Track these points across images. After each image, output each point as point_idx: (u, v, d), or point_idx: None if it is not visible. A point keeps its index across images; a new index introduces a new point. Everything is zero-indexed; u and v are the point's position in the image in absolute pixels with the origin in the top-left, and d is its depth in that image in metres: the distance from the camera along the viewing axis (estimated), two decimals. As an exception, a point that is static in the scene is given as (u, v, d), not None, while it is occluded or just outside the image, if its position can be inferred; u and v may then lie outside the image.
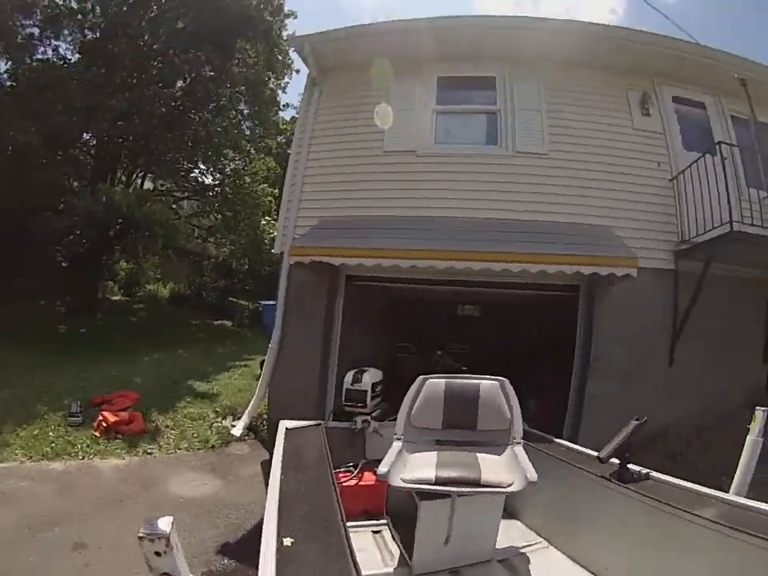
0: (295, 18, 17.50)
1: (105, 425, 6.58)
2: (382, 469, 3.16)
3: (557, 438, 4.49)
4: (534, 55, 7.48)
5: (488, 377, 3.91)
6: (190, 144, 16.94)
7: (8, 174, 12.91)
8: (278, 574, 1.95)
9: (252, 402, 7.34)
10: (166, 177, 18.44)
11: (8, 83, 14.34)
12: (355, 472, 4.35)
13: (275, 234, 8.54)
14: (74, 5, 14.48)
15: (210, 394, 8.96)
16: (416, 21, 7.52)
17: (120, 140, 15.46)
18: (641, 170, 7.15)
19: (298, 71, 18.40)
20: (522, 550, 3.60)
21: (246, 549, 4.28)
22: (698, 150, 6.80)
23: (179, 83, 16.09)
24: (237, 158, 18.67)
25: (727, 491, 3.49)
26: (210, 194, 18.43)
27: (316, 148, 7.73)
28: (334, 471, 3.29)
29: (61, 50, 15.16)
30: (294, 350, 7.20)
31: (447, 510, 3.21)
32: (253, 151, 19.07)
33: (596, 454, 3.46)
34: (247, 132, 18.18)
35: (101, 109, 13.24)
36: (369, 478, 4.27)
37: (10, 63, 14.44)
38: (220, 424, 7.57)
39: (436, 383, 3.87)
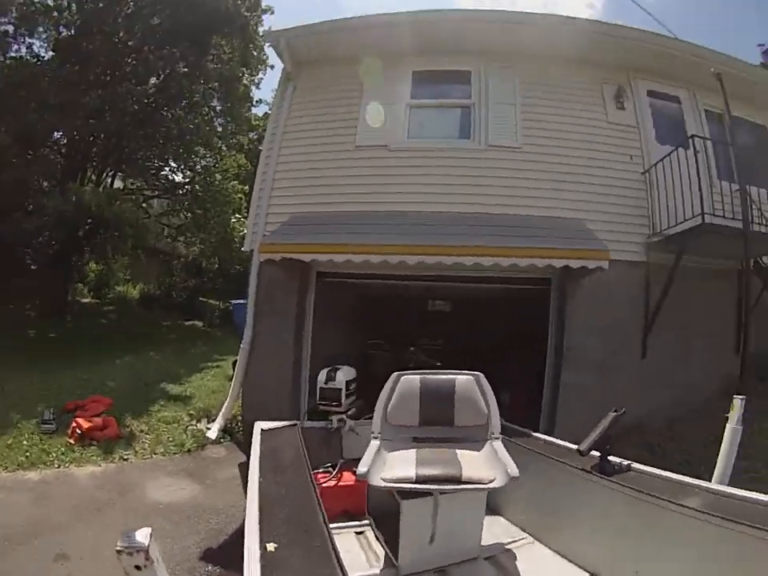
0: (272, 13, 17.40)
1: (79, 431, 6.50)
2: (362, 469, 3.14)
3: (533, 431, 4.51)
4: (511, 49, 7.56)
5: (463, 371, 3.91)
6: (161, 141, 16.74)
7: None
8: None
9: (226, 404, 7.30)
10: (136, 175, 18.23)
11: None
12: (334, 472, 4.36)
13: (245, 231, 8.45)
14: (50, 2, 14.29)
15: (183, 396, 8.91)
16: (392, 15, 7.54)
17: (91, 138, 15.23)
18: (614, 164, 7.23)
19: (272, 67, 18.35)
20: (507, 546, 3.61)
21: (229, 554, 4.27)
22: (671, 144, 6.89)
23: (153, 80, 15.89)
24: (208, 155, 18.54)
25: (708, 480, 3.48)
26: (180, 192, 18.25)
27: (288, 143, 7.69)
28: (312, 472, 3.27)
29: (35, 48, 14.96)
30: (265, 348, 7.15)
31: (430, 508, 3.20)
32: (224, 148, 18.95)
33: (576, 446, 3.48)
34: (219, 129, 18.02)
35: (73, 106, 13.06)
36: (348, 478, 4.27)
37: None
38: (195, 427, 7.52)
39: (411, 379, 3.85)
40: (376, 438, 3.65)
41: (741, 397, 4.15)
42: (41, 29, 14.60)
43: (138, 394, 8.59)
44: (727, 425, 4.15)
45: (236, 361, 7.53)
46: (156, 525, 4.54)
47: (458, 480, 3.07)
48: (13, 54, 14.53)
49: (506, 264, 6.06)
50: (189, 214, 18.04)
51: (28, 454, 5.97)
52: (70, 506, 4.93)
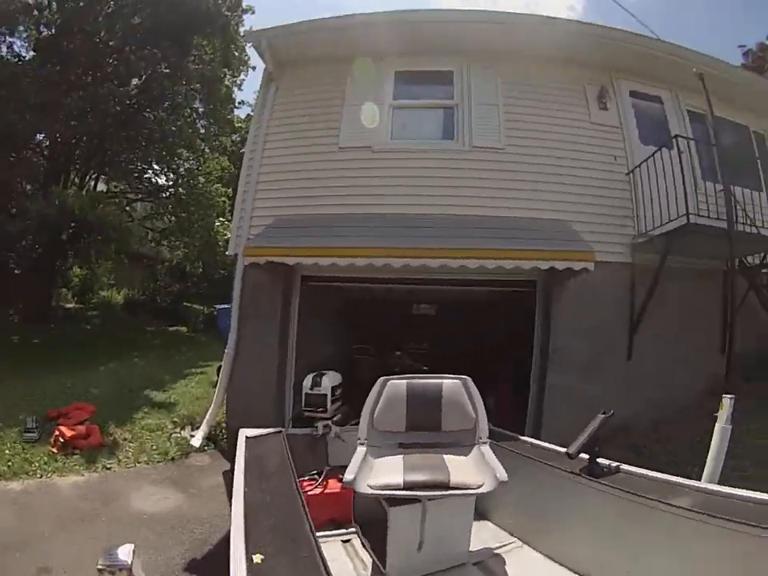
0: (253, 13, 17.39)
1: (62, 440, 6.39)
2: (348, 476, 3.11)
3: (519, 434, 4.50)
4: (493, 50, 7.53)
5: (450, 376, 3.89)
6: (143, 144, 16.62)
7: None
8: None
9: (210, 411, 7.19)
10: (119, 178, 18.09)
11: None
12: (320, 480, 4.34)
13: (229, 235, 8.38)
14: (30, 0, 14.08)
15: (167, 403, 8.78)
16: (374, 15, 7.49)
17: (73, 140, 15.14)
18: (598, 164, 7.23)
19: (254, 68, 18.34)
20: (496, 551, 3.58)
21: (213, 565, 4.13)
22: (654, 144, 6.89)
23: (134, 81, 15.78)
24: (191, 158, 18.44)
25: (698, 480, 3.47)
26: (164, 195, 18.12)
27: (271, 145, 7.60)
28: (298, 480, 3.23)
29: (15, 47, 14.83)
30: (250, 353, 7.05)
31: (418, 514, 3.17)
32: (207, 150, 18.88)
33: (564, 450, 3.47)
34: (202, 131, 17.94)
35: (55, 107, 12.94)
36: (334, 486, 4.27)
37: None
38: (179, 435, 7.40)
39: (397, 384, 3.82)
40: (362, 444, 3.61)
41: (730, 396, 4.13)
42: (21, 28, 14.47)
43: (121, 401, 8.46)
44: (716, 424, 4.12)
45: (220, 367, 7.39)
46: (140, 535, 4.58)
47: (446, 486, 3.04)
48: (-6, 53, 14.40)
49: (492, 266, 6.02)
50: (172, 218, 17.90)
51: (10, 463, 5.85)
52: (53, 517, 4.84)
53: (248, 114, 20.25)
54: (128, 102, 15.40)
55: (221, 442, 7.17)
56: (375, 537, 3.45)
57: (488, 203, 6.90)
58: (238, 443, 3.83)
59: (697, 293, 7.14)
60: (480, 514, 3.80)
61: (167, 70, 15.34)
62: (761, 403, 5.62)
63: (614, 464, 3.29)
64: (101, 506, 5.21)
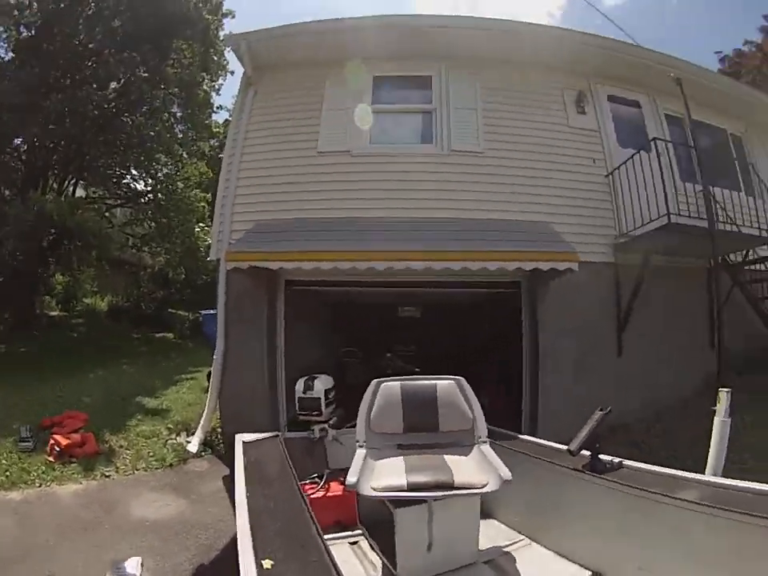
0: (233, 17, 17.36)
1: (57, 449, 6.28)
2: (351, 479, 3.09)
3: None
4: (471, 55, 7.58)
5: (443, 376, 3.91)
6: (122, 148, 16.46)
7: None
8: None
9: (204, 416, 7.11)
10: (98, 184, 17.87)
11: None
12: (321, 483, 4.30)
13: (210, 240, 8.34)
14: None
15: (160, 409, 8.69)
16: (354, 19, 7.50)
17: (51, 144, 14.92)
18: (577, 167, 7.32)
19: (232, 72, 18.25)
20: (505, 549, 3.57)
21: (221, 569, 4.15)
22: (633, 147, 7.01)
23: (113, 84, 15.60)
24: (169, 163, 18.23)
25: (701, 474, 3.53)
26: (143, 200, 17.97)
27: (250, 149, 7.53)
28: (300, 483, 3.20)
29: (-6, 48, 14.53)
30: (239, 358, 7.00)
31: (424, 515, 3.15)
32: (185, 155, 18.69)
33: (564, 447, 3.46)
34: (180, 135, 17.80)
35: (33, 109, 12.76)
36: (336, 488, 4.23)
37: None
38: (174, 441, 7.30)
39: (391, 386, 3.82)
40: (361, 446, 3.59)
41: (726, 389, 4.20)
42: (1, 28, 14.27)
43: (113, 409, 8.36)
44: (715, 418, 4.19)
45: (210, 372, 7.35)
46: (145, 542, 4.55)
47: (450, 486, 3.03)
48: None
49: (476, 268, 6.01)
50: (152, 224, 17.71)
51: (8, 473, 5.77)
52: (55, 526, 4.77)
53: (226, 119, 20.07)
54: (106, 106, 15.20)
55: (218, 448, 7.10)
56: (383, 538, 3.42)
57: (469, 206, 6.94)
58: (235, 449, 3.81)
59: (682, 291, 7.24)
60: (485, 513, 3.76)
61: (146, 74, 15.18)
62: (753, 397, 5.66)
63: (616, 460, 3.29)
64: (103, 513, 5.14)
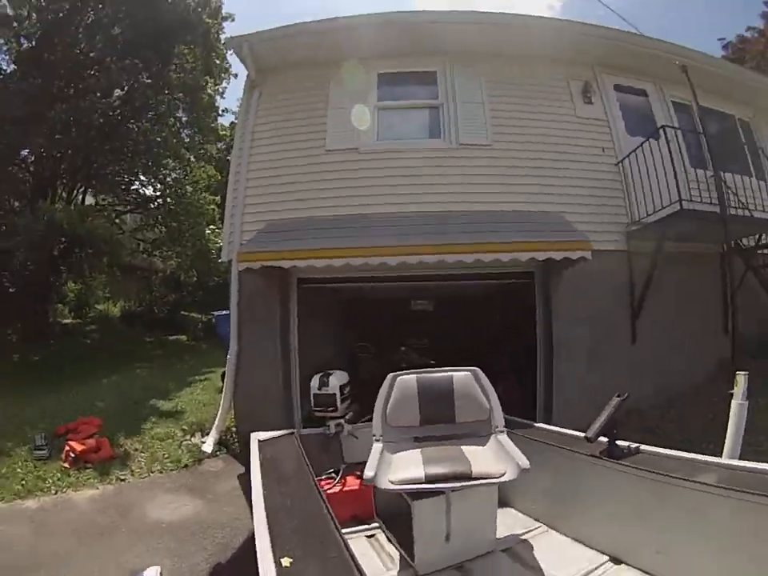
0: (233, 20, 17.20)
1: (73, 455, 6.26)
2: (368, 473, 3.04)
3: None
4: (475, 49, 7.50)
5: (459, 368, 3.85)
6: (129, 155, 16.39)
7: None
8: None
9: (218, 416, 7.09)
10: (106, 191, 17.79)
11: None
12: (337, 478, 4.28)
13: (221, 243, 8.28)
14: (10, 11, 13.69)
15: (174, 411, 8.65)
16: (355, 18, 7.42)
17: (58, 154, 14.80)
18: (587, 157, 7.25)
19: (236, 75, 18.16)
20: (522, 537, 3.54)
21: (239, 568, 4.15)
22: (641, 135, 6.95)
23: (117, 92, 15.44)
24: (177, 168, 18.10)
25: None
26: (152, 205, 17.89)
27: (258, 150, 7.48)
28: (316, 479, 3.16)
29: (-4, 61, 14.49)
30: (253, 358, 6.95)
31: (442, 506, 3.13)
32: (193, 159, 18.60)
33: (581, 434, 3.44)
34: (186, 140, 17.74)
35: (38, 120, 12.69)
36: (352, 483, 4.22)
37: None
38: (189, 442, 7.29)
39: (407, 379, 3.78)
40: (378, 440, 3.55)
41: (743, 372, 4.13)
42: (1, 41, 14.19)
43: (128, 413, 8.32)
44: (732, 401, 4.12)
45: (224, 372, 7.34)
46: (162, 544, 4.57)
47: (468, 476, 2.99)
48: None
49: (488, 260, 5.93)
50: (163, 228, 17.64)
51: (24, 482, 5.76)
52: (72, 532, 4.76)
53: (232, 122, 20.03)
54: (111, 114, 15.07)
55: (232, 447, 7.09)
56: (400, 530, 3.39)
57: (479, 198, 6.88)
58: (250, 447, 3.76)
59: (695, 277, 7.17)
60: (502, 501, 3.72)
61: (149, 80, 15.09)
62: (767, 381, 5.62)
63: (633, 445, 3.25)
64: (119, 518, 5.12)
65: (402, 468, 3.18)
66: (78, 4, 14.02)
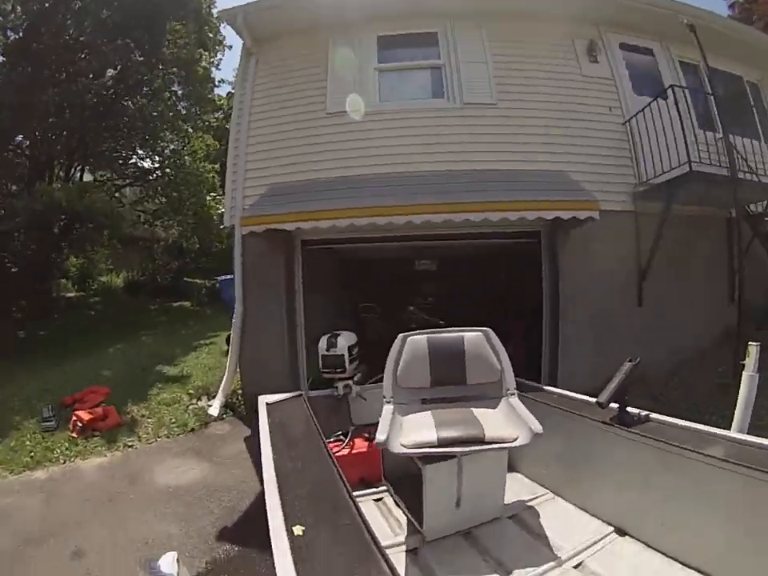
0: (224, -6, 16.70)
1: (80, 424, 6.19)
2: (380, 436, 2.85)
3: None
4: (476, 8, 7.15)
5: (470, 328, 3.64)
6: (125, 131, 16.01)
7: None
8: (298, 570, 1.70)
9: (224, 379, 6.97)
10: (104, 167, 17.33)
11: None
12: (346, 440, 4.17)
13: (222, 209, 8.08)
14: None
15: (180, 376, 8.53)
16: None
17: (53, 137, 14.49)
18: (593, 116, 6.98)
19: (230, 47, 17.84)
20: (529, 504, 3.40)
21: (245, 531, 4.13)
22: (649, 95, 6.69)
23: (110, 72, 15.06)
24: (175, 139, 17.73)
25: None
26: (152, 177, 17.53)
27: (257, 116, 7.23)
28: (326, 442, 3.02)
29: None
30: (258, 321, 6.84)
31: (454, 471, 2.97)
32: (190, 130, 18.20)
33: (591, 399, 3.29)
34: (183, 112, 17.30)
35: (30, 108, 12.34)
36: (361, 445, 4.12)
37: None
38: (196, 406, 7.20)
39: (417, 340, 3.58)
40: (389, 402, 3.37)
41: (756, 343, 3.92)
42: (-14, 35, 13.65)
43: (134, 380, 8.22)
44: (744, 372, 3.94)
45: (229, 336, 7.19)
46: (169, 509, 4.53)
47: (481, 440, 2.84)
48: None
49: (496, 219, 5.70)
50: (163, 199, 17.34)
51: (32, 453, 5.70)
52: (81, 501, 4.72)
53: (229, 92, 19.62)
54: (105, 93, 14.71)
55: (239, 409, 6.97)
56: (408, 494, 3.25)
57: (485, 157, 6.61)
58: (258, 411, 3.62)
59: (701, 241, 6.97)
60: (510, 466, 3.54)
61: (141, 58, 14.68)
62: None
63: (644, 413, 3.10)
64: (127, 484, 5.06)
65: (413, 431, 3.01)
66: (63, -8, 13.51)
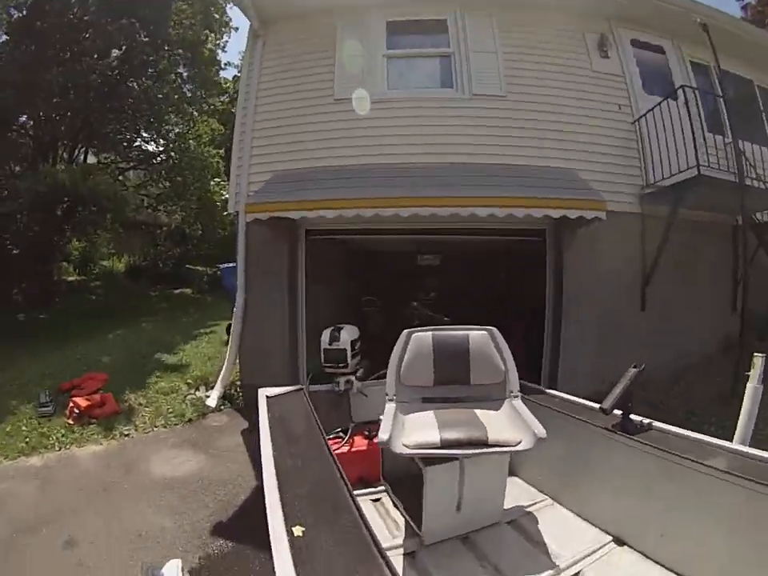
0: (229, -27, 16.14)
1: (77, 411, 6.12)
2: (383, 435, 2.73)
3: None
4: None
5: (475, 326, 3.50)
6: (130, 113, 15.78)
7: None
8: (298, 572, 1.65)
9: (223, 370, 6.84)
10: (108, 149, 17.11)
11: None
12: (346, 437, 4.02)
13: (226, 195, 7.92)
14: None
15: (179, 365, 8.41)
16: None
17: (57, 117, 14.26)
18: (602, 113, 6.80)
19: (236, 29, 17.51)
20: (528, 509, 3.32)
21: (239, 527, 4.05)
22: (659, 94, 6.52)
23: (114, 52, 14.80)
24: (180, 123, 17.51)
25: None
26: (156, 161, 17.36)
27: (264, 100, 7.05)
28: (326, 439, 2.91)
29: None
30: (259, 310, 6.72)
31: (455, 474, 2.88)
32: (195, 114, 17.91)
33: (594, 404, 3.23)
34: (188, 95, 17.00)
35: (33, 87, 12.17)
36: (360, 443, 3.98)
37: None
38: (194, 396, 7.10)
39: (423, 337, 3.44)
40: (391, 400, 3.26)
41: (761, 354, 3.83)
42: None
43: (133, 367, 8.12)
44: (748, 384, 3.81)
45: (230, 325, 7.06)
46: (163, 501, 4.47)
47: (484, 443, 2.73)
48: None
49: (502, 215, 5.52)
50: (167, 183, 17.16)
51: (28, 439, 5.63)
52: (76, 489, 4.65)
53: (235, 75, 19.35)
54: (110, 74, 14.47)
55: (237, 401, 6.86)
56: (408, 496, 3.17)
57: (493, 151, 6.45)
58: (258, 404, 3.48)
59: (706, 247, 6.84)
60: (509, 470, 3.45)
61: (147, 38, 14.43)
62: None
63: (647, 421, 3.02)
64: (122, 474, 5.00)
65: (416, 431, 2.90)
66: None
